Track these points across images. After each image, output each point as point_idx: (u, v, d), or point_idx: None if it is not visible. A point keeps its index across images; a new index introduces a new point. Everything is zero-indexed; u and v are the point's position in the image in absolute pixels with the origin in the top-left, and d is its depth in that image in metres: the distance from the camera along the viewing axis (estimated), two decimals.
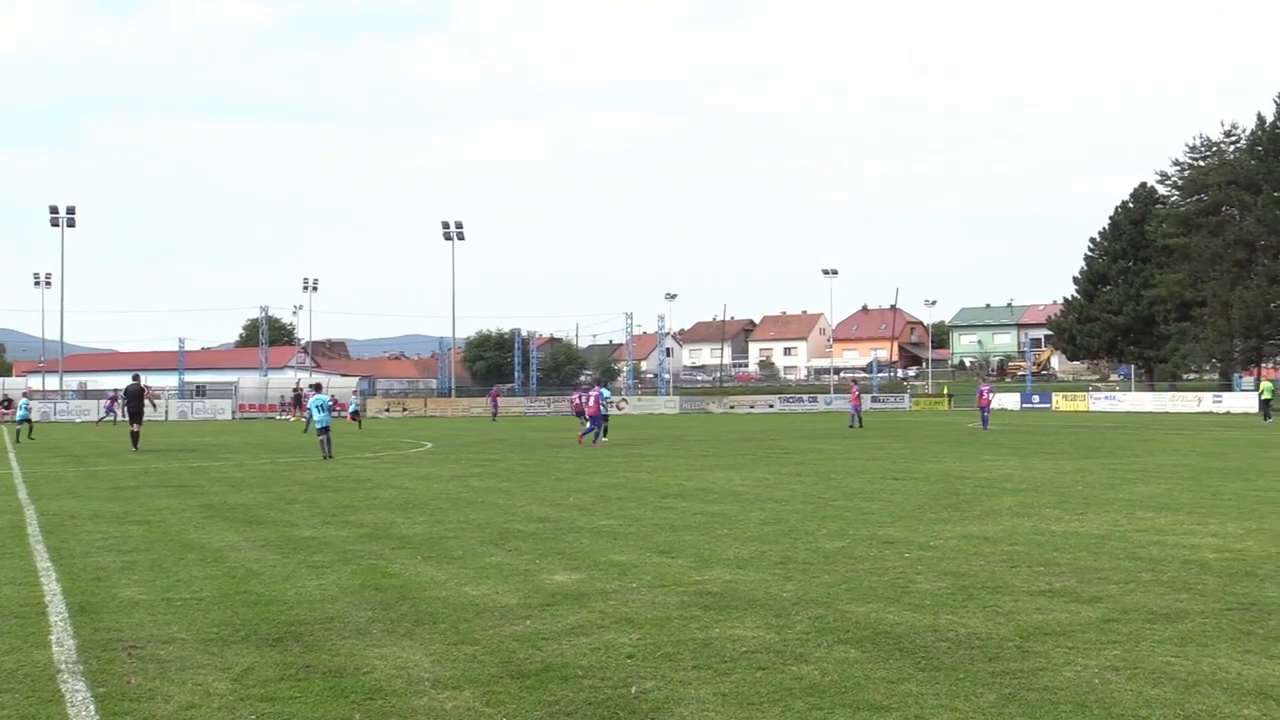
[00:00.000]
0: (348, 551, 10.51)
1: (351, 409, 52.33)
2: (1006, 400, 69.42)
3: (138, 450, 28.80)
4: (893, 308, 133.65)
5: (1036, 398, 73.29)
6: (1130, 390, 72.69)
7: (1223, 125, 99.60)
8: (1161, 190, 79.51)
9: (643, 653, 6.38)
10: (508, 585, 8.59)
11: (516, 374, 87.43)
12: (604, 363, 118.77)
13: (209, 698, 5.59)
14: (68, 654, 6.49)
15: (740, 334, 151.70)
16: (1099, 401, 68.58)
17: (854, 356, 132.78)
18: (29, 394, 51.15)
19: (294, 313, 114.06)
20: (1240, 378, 72.64)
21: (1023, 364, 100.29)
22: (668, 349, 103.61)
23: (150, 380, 34.38)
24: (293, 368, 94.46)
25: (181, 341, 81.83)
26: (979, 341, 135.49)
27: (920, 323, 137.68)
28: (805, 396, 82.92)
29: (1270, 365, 77.13)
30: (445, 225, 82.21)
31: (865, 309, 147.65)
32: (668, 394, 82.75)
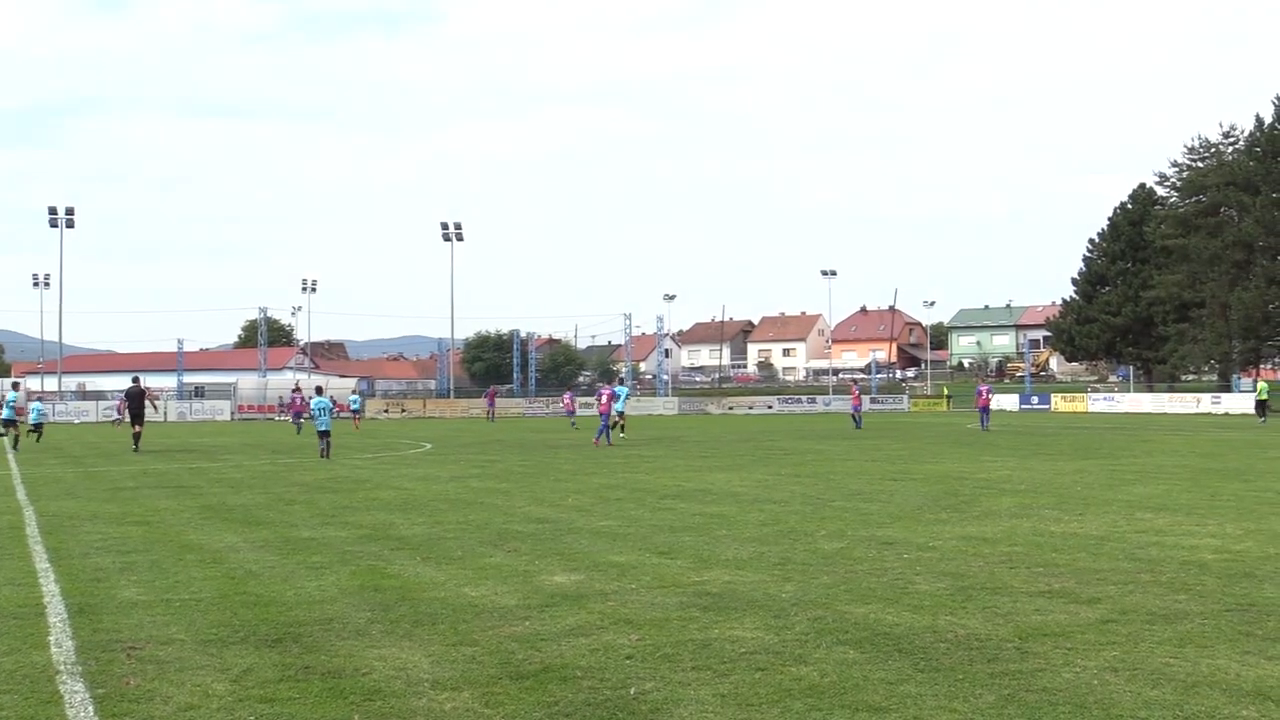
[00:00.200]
0: (347, 552, 10.51)
1: (353, 408, 52.49)
2: (1005, 401, 69.43)
3: (139, 451, 28.83)
4: (891, 309, 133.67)
5: (1035, 399, 73.34)
6: (1129, 391, 72.72)
7: (1221, 126, 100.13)
8: (1160, 191, 79.59)
9: (642, 653, 6.39)
10: (507, 586, 8.59)
11: (515, 375, 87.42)
12: (603, 363, 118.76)
13: (208, 698, 5.59)
14: (67, 655, 6.48)
15: (739, 335, 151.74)
16: (1098, 402, 68.63)
17: (853, 357, 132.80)
18: (42, 397, 50.60)
19: (293, 314, 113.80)
20: (1239, 379, 72.63)
21: (1021, 365, 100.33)
22: (666, 350, 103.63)
23: (149, 381, 34.33)
24: (291, 369, 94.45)
25: (180, 342, 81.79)
26: (978, 342, 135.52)
27: (919, 324, 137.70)
28: (804, 397, 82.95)
29: (1269, 366, 77.24)
30: (444, 226, 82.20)
31: (864, 310, 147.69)
32: (666, 395, 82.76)
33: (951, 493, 15.89)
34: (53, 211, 75.64)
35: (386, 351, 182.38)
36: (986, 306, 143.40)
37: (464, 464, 23.74)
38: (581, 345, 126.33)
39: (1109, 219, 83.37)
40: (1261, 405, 47.82)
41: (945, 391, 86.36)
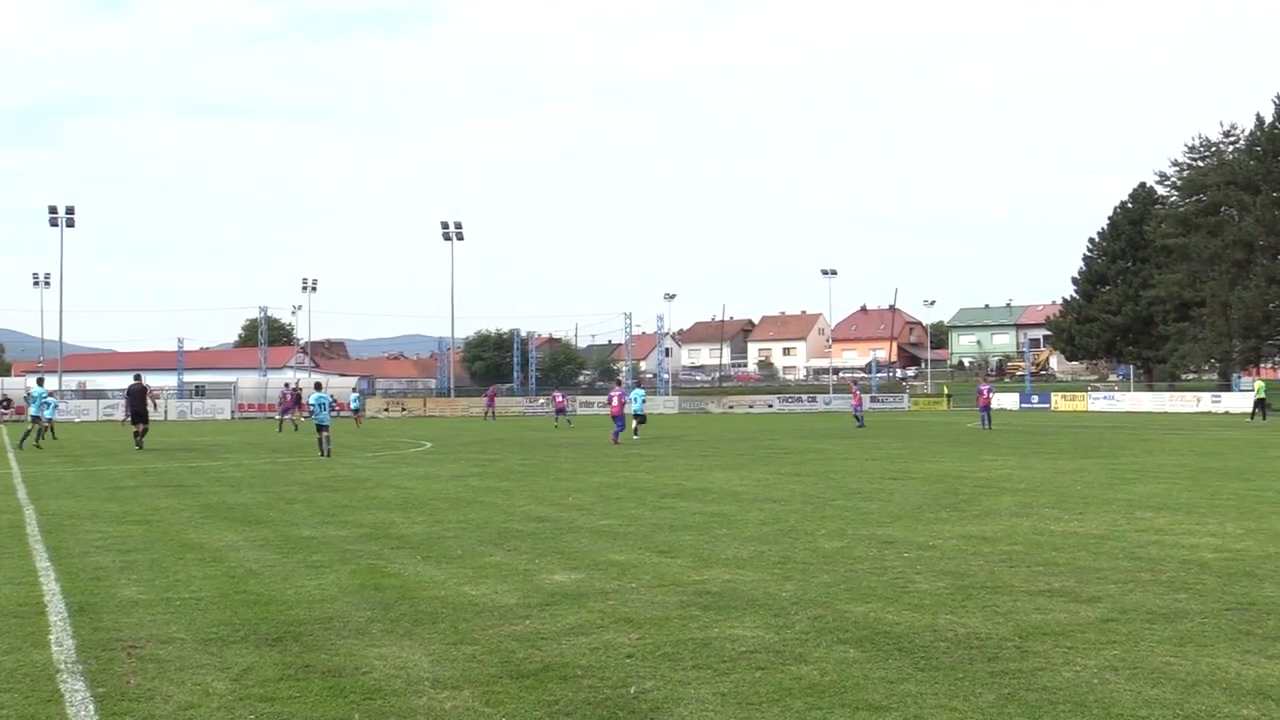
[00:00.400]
0: (347, 551, 10.51)
1: (353, 406, 52.61)
2: (1005, 400, 69.43)
3: (143, 449, 28.88)
4: (892, 308, 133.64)
5: (1035, 398, 73.34)
6: (1129, 390, 72.72)
7: (1221, 126, 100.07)
8: (1160, 191, 79.65)
9: (642, 652, 6.38)
10: (507, 585, 8.59)
11: (515, 374, 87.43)
12: (603, 363, 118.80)
13: (208, 697, 5.59)
14: (67, 654, 6.48)
15: (739, 334, 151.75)
16: (1098, 401, 68.63)
17: (853, 357, 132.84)
18: (54, 393, 50.35)
19: (293, 313, 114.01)
20: (1239, 378, 72.64)
21: (1021, 364, 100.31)
22: (667, 349, 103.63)
23: (149, 380, 34.27)
24: (292, 368, 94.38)
25: (180, 341, 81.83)
26: (978, 342, 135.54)
27: (919, 323, 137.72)
28: (804, 396, 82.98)
29: (1269, 365, 77.20)
30: (444, 225, 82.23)
31: (864, 309, 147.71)
32: (667, 394, 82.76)
33: (951, 492, 15.89)
34: (53, 211, 75.65)
35: (387, 351, 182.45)
36: (987, 306, 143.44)
37: (464, 463, 23.75)
38: (582, 344, 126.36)
39: (1109, 218, 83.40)
40: (1260, 404, 47.86)
41: (945, 390, 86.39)
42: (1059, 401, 70.58)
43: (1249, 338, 68.95)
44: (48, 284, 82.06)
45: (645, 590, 8.34)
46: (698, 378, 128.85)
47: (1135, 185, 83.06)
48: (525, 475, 20.01)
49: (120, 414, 54.66)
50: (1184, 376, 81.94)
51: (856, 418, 45.07)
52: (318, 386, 29.97)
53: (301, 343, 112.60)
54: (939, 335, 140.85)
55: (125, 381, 32.44)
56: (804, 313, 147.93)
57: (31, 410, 32.96)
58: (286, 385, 55.48)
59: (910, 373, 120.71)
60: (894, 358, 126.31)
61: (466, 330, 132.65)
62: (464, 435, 39.66)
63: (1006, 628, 6.90)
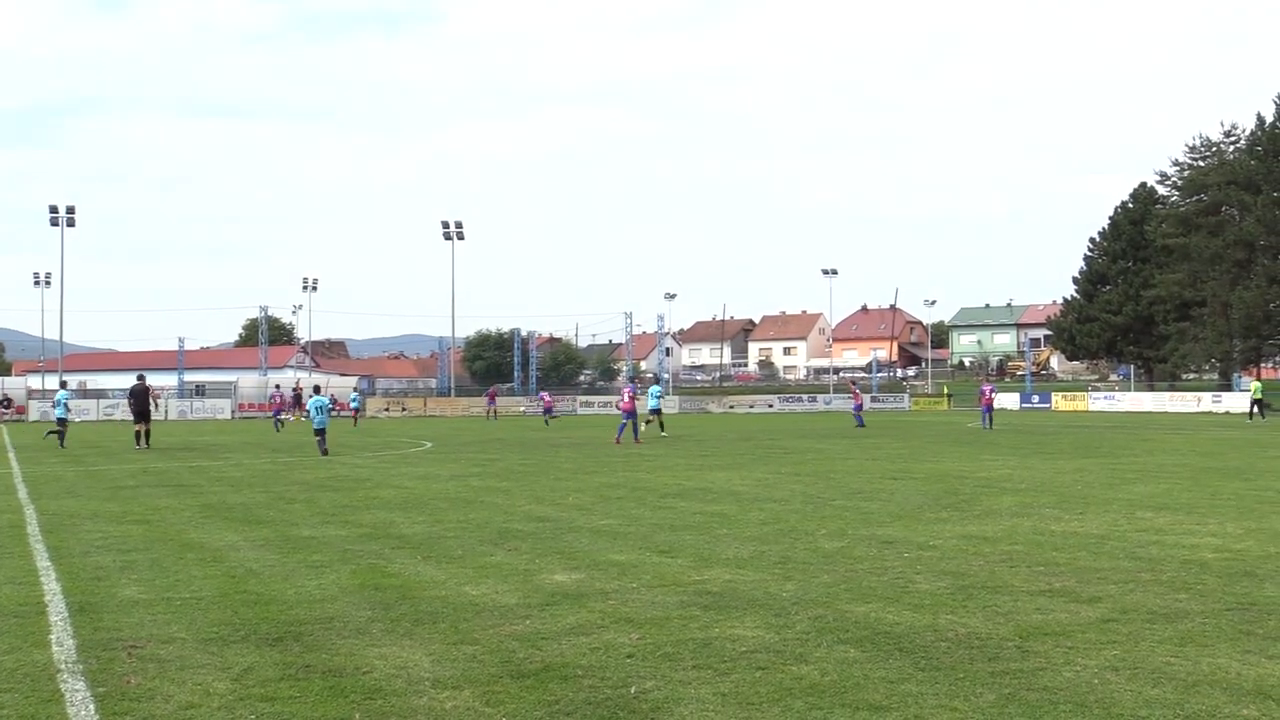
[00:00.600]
0: (347, 551, 10.51)
1: (353, 405, 52.74)
2: (1006, 400, 69.40)
3: (149, 448, 28.94)
4: (892, 308, 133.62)
5: (1036, 398, 73.32)
6: (1129, 390, 72.72)
7: (1222, 125, 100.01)
8: (1161, 190, 79.54)
9: (642, 652, 6.38)
10: (507, 585, 8.59)
11: (516, 374, 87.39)
12: (603, 362, 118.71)
13: (209, 697, 5.59)
14: (67, 653, 6.49)
15: (740, 334, 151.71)
16: (1098, 401, 68.61)
17: (853, 356, 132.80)
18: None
19: (293, 312, 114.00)
20: (1240, 378, 72.63)
21: (1022, 364, 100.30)
22: (667, 349, 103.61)
23: (150, 380, 34.35)
24: (292, 367, 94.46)
25: (181, 341, 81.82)
26: (978, 341, 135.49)
27: (920, 323, 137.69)
28: (805, 396, 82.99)
29: (1270, 365, 77.17)
30: (445, 225, 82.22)
31: (865, 309, 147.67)
32: (667, 393, 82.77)
33: (952, 492, 15.89)
34: (53, 211, 75.64)
35: (387, 350, 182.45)
36: (987, 305, 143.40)
37: (464, 463, 23.75)
38: (582, 344, 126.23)
39: (1110, 218, 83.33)
40: (1259, 404, 47.85)
41: (946, 390, 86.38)
42: (1059, 401, 70.57)
43: (1249, 338, 68.92)
44: (48, 284, 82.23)
45: (645, 590, 8.34)
46: (698, 377, 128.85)
47: (1136, 185, 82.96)
48: (525, 475, 20.01)
49: (119, 414, 55.13)
50: (1184, 376, 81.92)
51: (856, 418, 45.09)
52: (316, 390, 30.00)
53: (302, 342, 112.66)
54: (939, 335, 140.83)
55: (125, 381, 32.59)
56: (804, 312, 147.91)
57: (58, 413, 33.60)
58: (277, 387, 55.90)
59: (911, 372, 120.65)
60: (894, 357, 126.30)
61: (467, 330, 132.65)
62: (464, 435, 39.66)
63: (1007, 628, 6.89)
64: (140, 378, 31.99)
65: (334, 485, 18.17)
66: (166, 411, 63.39)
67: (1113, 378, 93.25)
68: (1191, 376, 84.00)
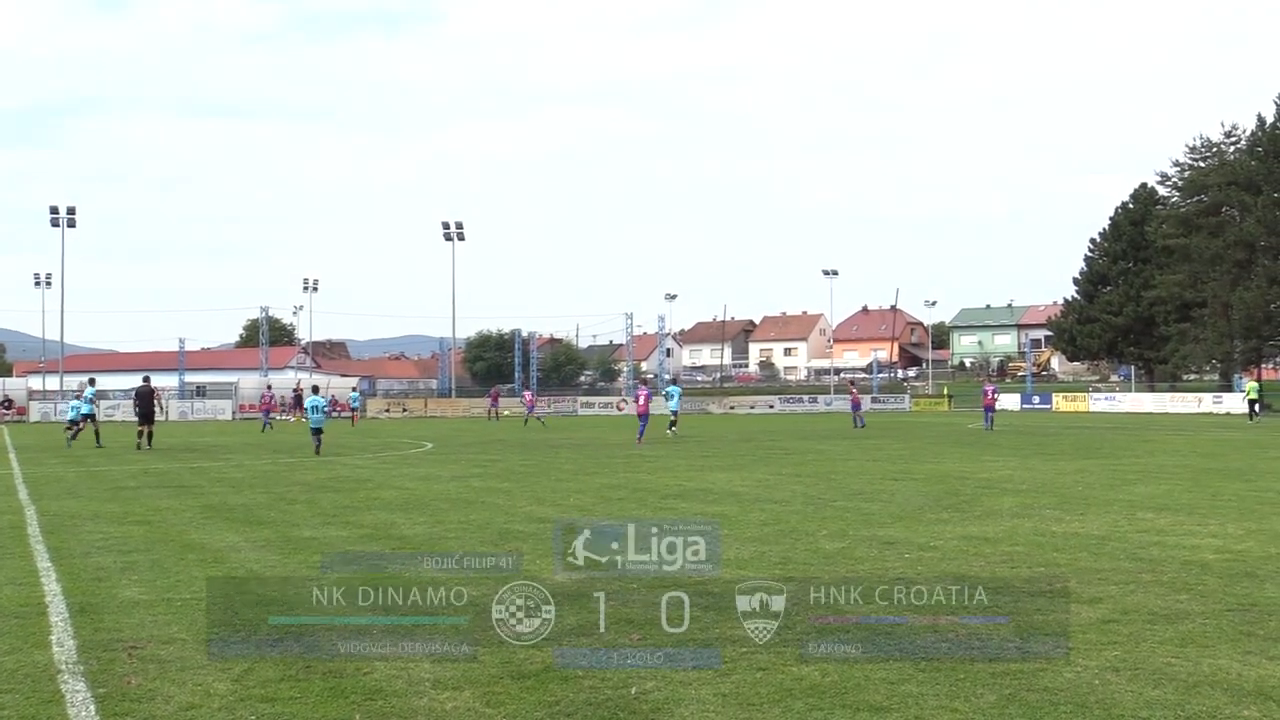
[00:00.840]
0: (348, 552, 10.50)
1: (353, 405, 52.83)
2: (1007, 401, 69.30)
3: (152, 449, 28.98)
4: (893, 308, 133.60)
5: (1037, 398, 73.28)
6: (1130, 391, 72.69)
7: (1223, 126, 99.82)
8: (1161, 191, 79.55)
9: (642, 652, 6.38)
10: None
11: (517, 374, 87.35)
12: (604, 363, 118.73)
13: (209, 698, 5.59)
14: (68, 654, 6.49)
15: (740, 334, 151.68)
16: (1099, 402, 68.58)
17: (854, 357, 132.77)
18: (53, 394, 50.60)
19: (294, 313, 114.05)
20: (1240, 379, 72.57)
21: (1023, 365, 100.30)
22: (668, 349, 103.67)
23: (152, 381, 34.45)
24: (293, 368, 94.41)
25: (182, 342, 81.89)
26: (979, 342, 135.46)
27: (920, 323, 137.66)
28: (805, 397, 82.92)
29: (1270, 366, 77.16)
30: (445, 225, 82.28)
31: (865, 309, 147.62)
32: None
33: (953, 492, 15.89)
34: (54, 211, 75.67)
35: (388, 351, 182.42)
36: (988, 306, 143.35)
37: (465, 463, 23.75)
38: (583, 345, 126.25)
39: (1110, 218, 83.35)
40: (1259, 404, 47.88)
41: (946, 391, 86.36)
42: (1060, 402, 70.54)
43: (1250, 338, 68.87)
44: (49, 284, 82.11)
45: (646, 590, 8.33)
46: (699, 378, 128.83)
47: (1136, 185, 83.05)
48: (526, 476, 20.01)
49: (120, 415, 55.23)
50: (1185, 377, 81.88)
51: (855, 418, 45.07)
52: (315, 390, 30.04)
53: (303, 343, 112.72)
54: (940, 336, 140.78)
55: (126, 382, 32.73)
56: (805, 313, 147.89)
57: (85, 409, 33.70)
58: (269, 388, 56.19)
59: (911, 373, 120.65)
60: (895, 358, 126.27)
61: (467, 330, 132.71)
62: (465, 436, 39.65)
63: (1007, 628, 6.89)
64: (145, 379, 32.09)
65: (335, 486, 18.17)
66: (167, 413, 63.38)
67: (1113, 378, 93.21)
68: (1192, 377, 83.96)
